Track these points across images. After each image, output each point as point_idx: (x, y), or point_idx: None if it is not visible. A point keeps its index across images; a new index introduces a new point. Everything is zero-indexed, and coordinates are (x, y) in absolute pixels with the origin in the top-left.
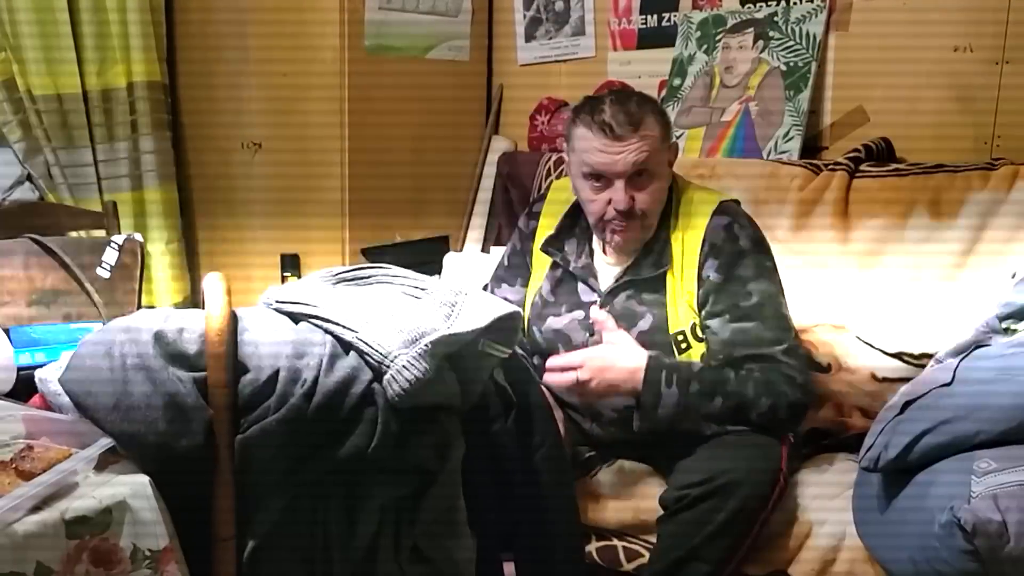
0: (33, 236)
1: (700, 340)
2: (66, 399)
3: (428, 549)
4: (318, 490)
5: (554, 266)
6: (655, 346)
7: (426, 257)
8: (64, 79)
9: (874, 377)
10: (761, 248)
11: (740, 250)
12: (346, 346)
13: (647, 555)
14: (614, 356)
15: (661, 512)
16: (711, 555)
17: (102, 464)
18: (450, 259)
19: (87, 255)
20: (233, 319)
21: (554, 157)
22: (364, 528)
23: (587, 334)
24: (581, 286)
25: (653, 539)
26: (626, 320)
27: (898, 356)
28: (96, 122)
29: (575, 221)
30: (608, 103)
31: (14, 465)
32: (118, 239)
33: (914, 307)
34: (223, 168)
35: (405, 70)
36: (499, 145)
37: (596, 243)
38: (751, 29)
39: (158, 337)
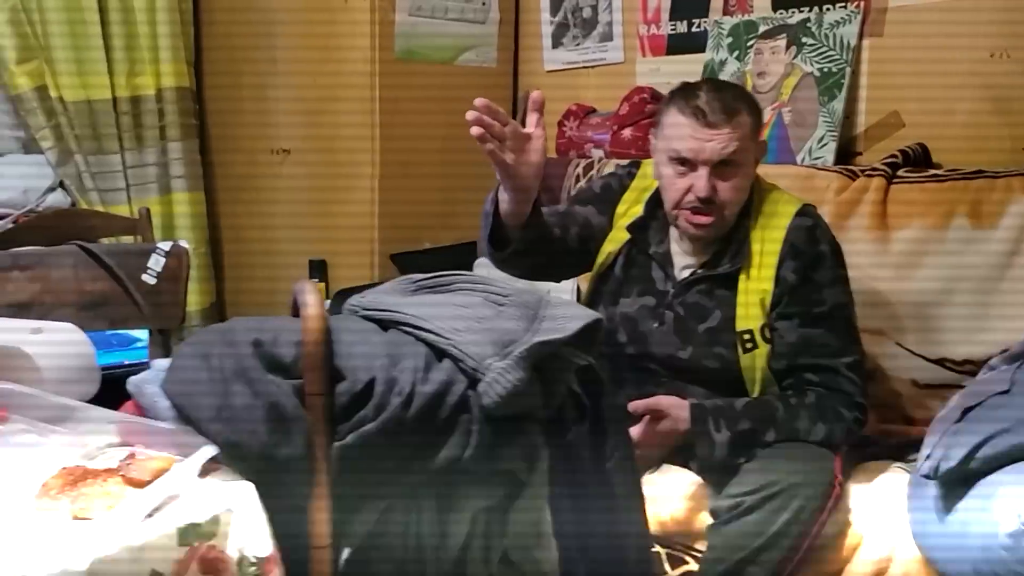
0: (81, 243)
1: (767, 341)
2: (165, 406)
3: (517, 558)
4: (412, 498)
5: (632, 242)
6: (721, 343)
7: (455, 262)
8: (94, 86)
9: (915, 384)
10: (839, 256)
11: (820, 254)
12: (439, 353)
13: (691, 562)
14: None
15: (709, 519)
16: (765, 563)
17: (203, 471)
18: (480, 264)
19: (133, 261)
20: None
21: (583, 163)
22: (455, 536)
23: (655, 323)
24: (656, 272)
25: (698, 546)
26: (695, 315)
27: (939, 363)
28: (125, 128)
29: (657, 206)
30: (704, 90)
31: (121, 473)
32: (164, 246)
33: (955, 313)
34: (251, 173)
35: (434, 74)
36: None
37: (674, 232)
38: (784, 35)
39: (256, 344)
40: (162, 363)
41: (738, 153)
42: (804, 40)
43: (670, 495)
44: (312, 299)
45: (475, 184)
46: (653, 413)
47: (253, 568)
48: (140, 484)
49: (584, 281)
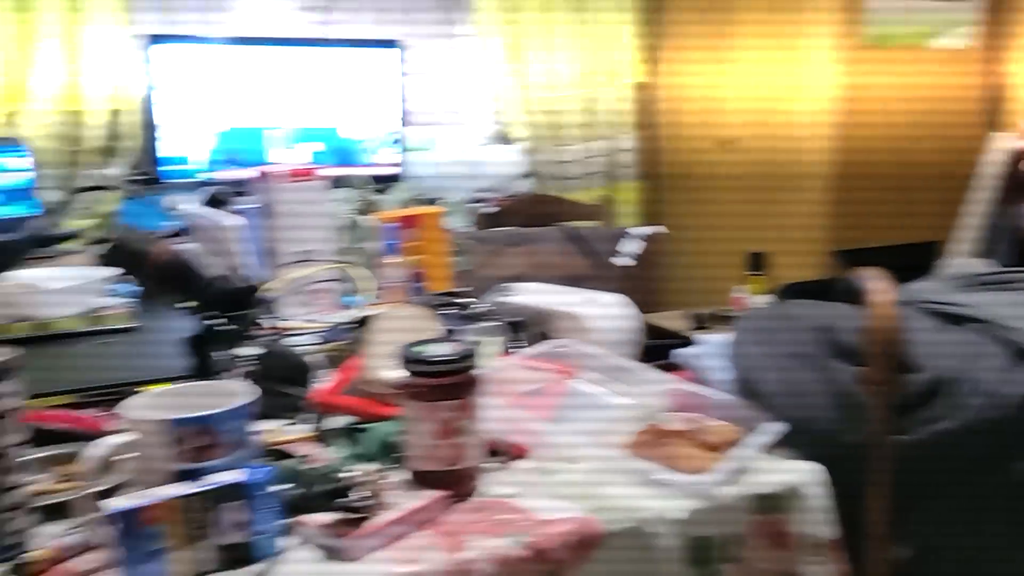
0: (565, 225)
1: None
2: (722, 377)
3: None
4: (980, 508)
5: None
6: None
7: (908, 263)
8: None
9: None
10: None
11: None
12: (1020, 354)
13: None
14: None
15: None
16: None
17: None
18: (942, 267)
19: (608, 244)
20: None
21: None
22: None
23: None
24: None
25: None
26: None
27: None
28: (582, 123)
29: None
30: None
31: (695, 436)
32: (643, 231)
33: None
34: (695, 164)
35: (900, 60)
36: (1003, 143)
37: None
38: None
39: (821, 330)
40: (707, 338)
41: None
42: None
43: None
44: (881, 287)
45: (933, 184)
46: None
47: (818, 550)
48: (713, 449)
49: None
